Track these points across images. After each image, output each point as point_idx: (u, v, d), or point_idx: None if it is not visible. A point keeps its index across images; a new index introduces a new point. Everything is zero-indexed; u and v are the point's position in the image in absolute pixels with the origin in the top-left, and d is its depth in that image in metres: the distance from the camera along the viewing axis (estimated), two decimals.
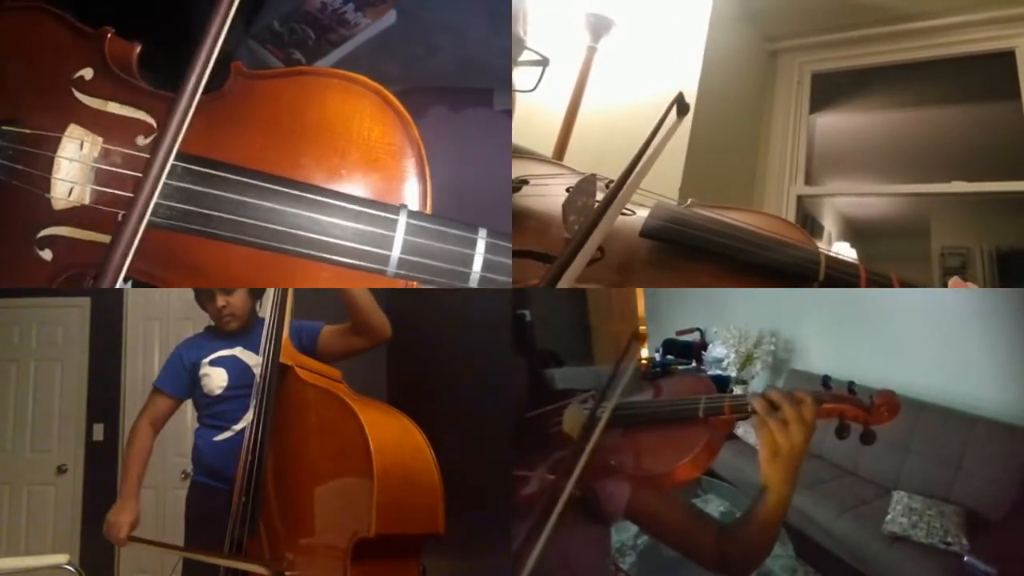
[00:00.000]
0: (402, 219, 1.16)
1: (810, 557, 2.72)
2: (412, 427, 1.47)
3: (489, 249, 1.17)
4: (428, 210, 1.21)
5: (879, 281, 1.19)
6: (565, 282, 1.08)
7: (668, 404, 1.08)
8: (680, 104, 1.28)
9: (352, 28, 1.89)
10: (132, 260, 1.12)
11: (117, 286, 1.12)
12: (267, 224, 1.17)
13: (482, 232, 1.18)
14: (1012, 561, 2.14)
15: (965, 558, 2.27)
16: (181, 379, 1.81)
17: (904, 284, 1.20)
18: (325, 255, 1.17)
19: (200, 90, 1.12)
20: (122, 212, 1.16)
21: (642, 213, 1.33)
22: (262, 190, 1.17)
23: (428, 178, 1.22)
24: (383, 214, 1.17)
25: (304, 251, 1.17)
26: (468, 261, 1.17)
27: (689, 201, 1.37)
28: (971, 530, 2.40)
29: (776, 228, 1.29)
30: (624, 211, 1.31)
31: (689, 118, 2.19)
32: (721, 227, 1.28)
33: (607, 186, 1.41)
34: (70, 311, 3.33)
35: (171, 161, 1.13)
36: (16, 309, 3.33)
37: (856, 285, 1.19)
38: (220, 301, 1.75)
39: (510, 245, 1.18)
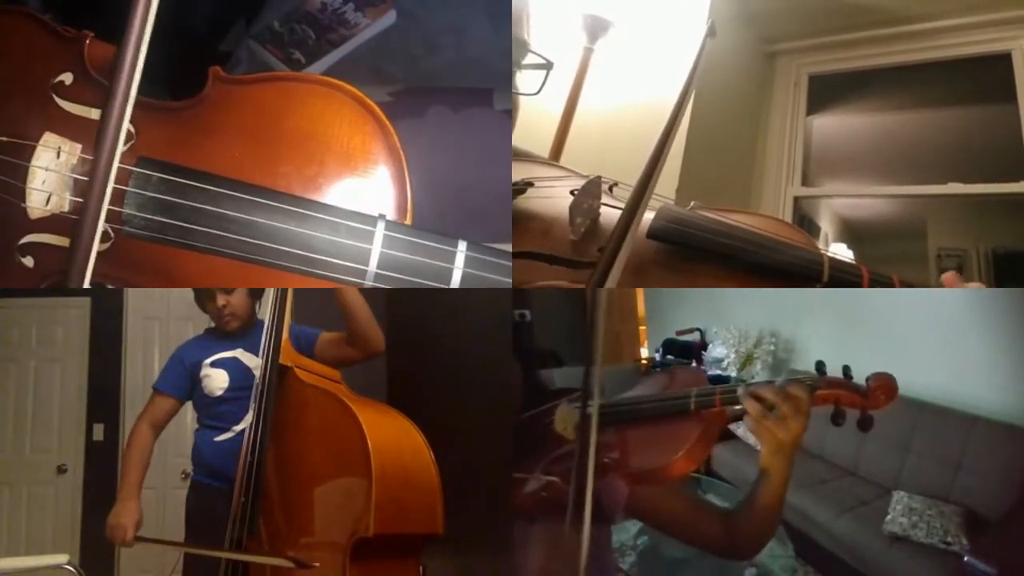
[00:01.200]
0: (379, 231, 1.14)
1: (810, 557, 2.72)
2: (411, 427, 1.47)
3: (469, 263, 1.14)
4: (408, 219, 1.19)
5: (881, 282, 1.19)
6: (612, 280, 1.07)
7: (659, 399, 1.08)
8: (711, 29, 1.40)
9: (352, 28, 1.90)
10: (111, 269, 1.10)
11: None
12: (244, 237, 1.15)
13: (461, 245, 1.15)
14: (1012, 561, 2.14)
15: (965, 558, 2.27)
16: (181, 381, 1.81)
17: (905, 287, 1.20)
18: (302, 268, 1.15)
19: (132, 92, 1.09)
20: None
21: (647, 215, 1.34)
22: (239, 201, 1.15)
23: (408, 187, 1.20)
24: (361, 226, 1.15)
25: (282, 263, 1.16)
26: (446, 276, 1.14)
27: (692, 204, 1.38)
28: (971, 530, 2.40)
29: (778, 231, 1.29)
30: None
31: (687, 121, 2.21)
32: (729, 229, 1.28)
33: (610, 189, 1.41)
34: (70, 311, 3.33)
35: (115, 164, 1.09)
36: (16, 309, 3.33)
37: (859, 286, 1.19)
38: (220, 300, 1.75)
39: (490, 258, 1.15)
